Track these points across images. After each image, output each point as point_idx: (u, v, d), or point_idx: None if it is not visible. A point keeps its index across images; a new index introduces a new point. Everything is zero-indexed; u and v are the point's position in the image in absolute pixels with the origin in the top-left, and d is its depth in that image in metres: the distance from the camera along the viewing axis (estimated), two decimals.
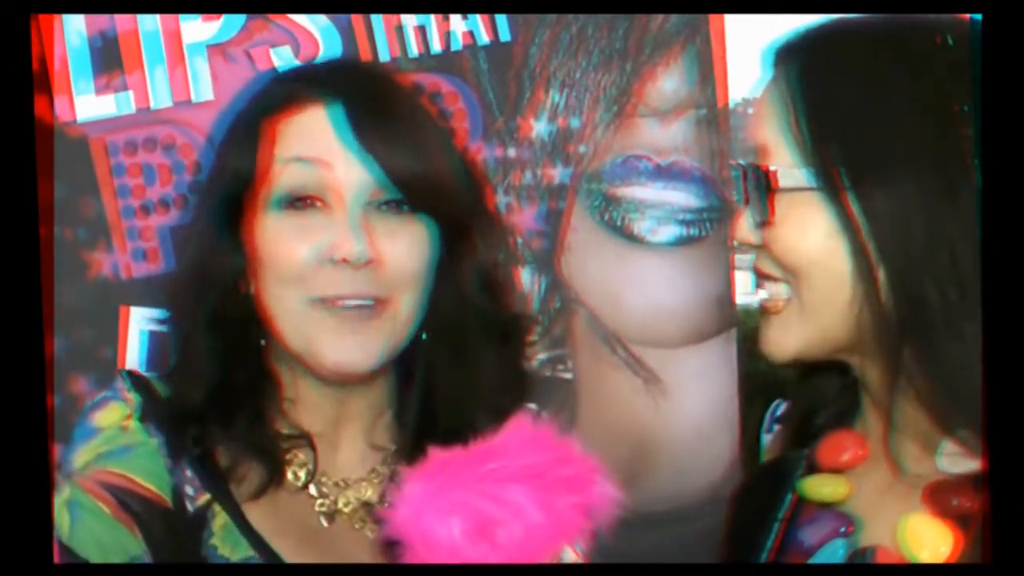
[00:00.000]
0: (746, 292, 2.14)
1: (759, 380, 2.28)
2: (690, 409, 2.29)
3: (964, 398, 1.29)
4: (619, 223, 2.26)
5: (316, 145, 1.54)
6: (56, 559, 1.40)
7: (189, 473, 1.54)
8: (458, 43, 2.22)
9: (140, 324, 2.13)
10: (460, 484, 1.39)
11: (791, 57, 1.43)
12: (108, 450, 1.53)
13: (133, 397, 1.57)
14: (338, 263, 1.52)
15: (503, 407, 1.59)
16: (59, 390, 2.08)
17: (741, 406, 2.28)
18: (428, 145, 1.57)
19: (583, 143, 2.26)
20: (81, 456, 1.53)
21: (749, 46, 1.52)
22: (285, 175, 1.54)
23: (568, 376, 2.27)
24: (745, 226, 1.46)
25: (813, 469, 1.52)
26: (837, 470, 1.49)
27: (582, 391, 2.27)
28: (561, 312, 2.26)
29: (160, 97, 2.14)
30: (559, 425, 1.52)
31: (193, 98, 2.14)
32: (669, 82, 2.27)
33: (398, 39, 2.20)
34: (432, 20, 2.21)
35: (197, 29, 2.15)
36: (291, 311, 1.55)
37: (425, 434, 1.59)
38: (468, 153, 1.74)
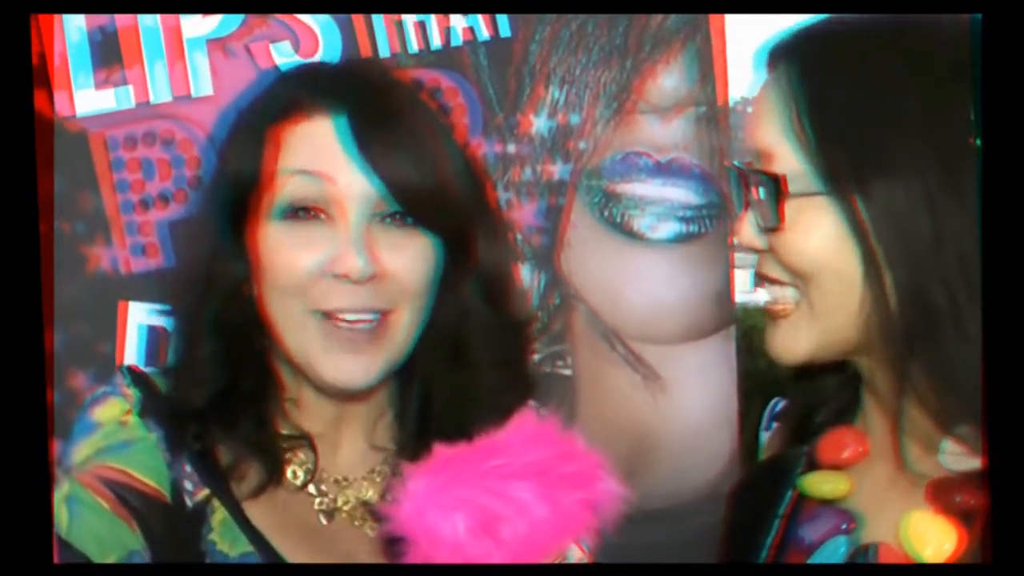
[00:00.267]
0: (745, 290, 2.14)
1: (758, 377, 2.29)
2: (689, 405, 2.29)
3: (968, 397, 1.29)
4: (619, 219, 2.26)
5: (321, 158, 1.53)
6: (55, 554, 1.39)
7: (188, 468, 1.53)
8: (458, 39, 2.22)
9: (139, 319, 2.13)
10: (464, 480, 1.37)
11: (791, 57, 1.42)
12: (107, 445, 1.52)
13: (132, 392, 1.56)
14: (339, 277, 1.51)
15: (504, 406, 1.59)
16: (58, 385, 2.08)
17: (740, 403, 2.28)
18: (432, 157, 1.55)
19: (583, 139, 2.26)
20: (80, 451, 1.52)
21: (749, 44, 1.51)
22: (289, 186, 1.53)
23: (567, 372, 2.27)
24: (749, 231, 1.45)
25: (813, 466, 1.52)
26: (837, 467, 1.49)
27: (581, 387, 2.27)
28: (560, 308, 2.26)
29: (160, 92, 2.14)
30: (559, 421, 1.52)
31: (193, 93, 2.14)
32: (669, 79, 2.27)
33: (398, 35, 2.19)
34: (432, 16, 2.20)
35: (197, 24, 2.15)
36: (292, 320, 1.54)
37: (426, 434, 1.58)
38: (469, 149, 1.73)
